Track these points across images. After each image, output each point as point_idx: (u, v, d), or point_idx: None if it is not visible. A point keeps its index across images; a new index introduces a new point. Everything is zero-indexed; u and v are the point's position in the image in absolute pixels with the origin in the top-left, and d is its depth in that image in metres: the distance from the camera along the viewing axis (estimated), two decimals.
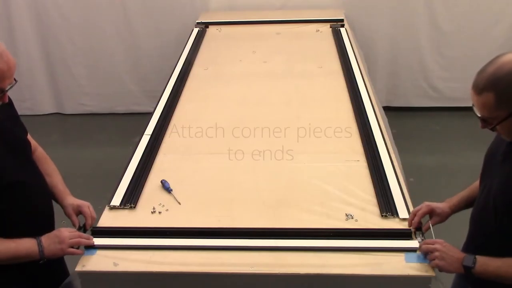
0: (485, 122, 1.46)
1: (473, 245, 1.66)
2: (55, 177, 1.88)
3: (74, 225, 1.79)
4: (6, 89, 1.53)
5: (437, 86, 4.47)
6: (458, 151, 3.83)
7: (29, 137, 1.86)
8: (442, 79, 4.40)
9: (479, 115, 1.45)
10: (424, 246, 1.61)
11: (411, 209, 1.84)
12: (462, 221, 1.76)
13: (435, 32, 4.28)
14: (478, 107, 1.44)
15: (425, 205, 1.75)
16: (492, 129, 1.47)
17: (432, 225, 1.73)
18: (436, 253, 1.55)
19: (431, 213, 1.75)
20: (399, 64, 4.47)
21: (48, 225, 1.79)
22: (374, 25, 4.33)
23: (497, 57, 1.42)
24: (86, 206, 1.81)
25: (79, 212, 1.81)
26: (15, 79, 1.58)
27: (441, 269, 1.56)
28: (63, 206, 1.83)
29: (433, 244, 1.58)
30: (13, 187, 1.61)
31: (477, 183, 1.72)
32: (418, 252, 1.64)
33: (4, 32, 4.44)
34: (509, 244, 1.51)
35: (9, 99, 1.63)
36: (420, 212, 1.74)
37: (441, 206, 1.75)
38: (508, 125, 1.43)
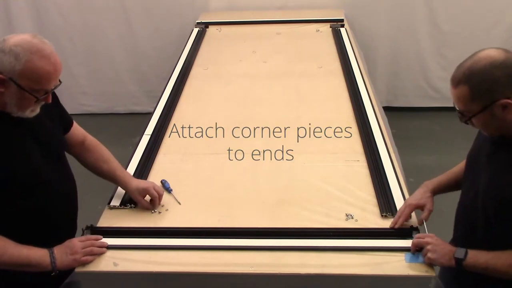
0: (462, 115, 1.50)
1: (459, 246, 1.66)
2: (111, 162, 1.91)
3: (148, 207, 1.86)
4: (51, 90, 1.55)
5: (437, 86, 4.47)
6: (458, 151, 3.81)
7: (77, 127, 1.90)
8: (442, 79, 4.39)
9: (457, 108, 1.50)
10: (415, 241, 1.64)
11: None
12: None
13: (435, 32, 4.28)
14: (455, 99, 1.49)
15: (408, 205, 1.77)
16: (467, 122, 1.51)
17: (425, 220, 1.74)
18: (428, 246, 1.59)
19: (418, 208, 1.77)
20: (399, 64, 4.47)
21: (68, 228, 1.81)
22: (374, 25, 4.33)
23: (476, 52, 1.46)
24: (152, 187, 1.86)
25: (145, 194, 1.87)
26: (59, 80, 1.60)
27: (432, 262, 1.58)
28: (128, 191, 1.88)
29: (424, 238, 1.62)
30: (39, 187, 1.62)
31: (455, 168, 1.77)
32: (410, 250, 1.65)
33: (5, 32, 4.44)
34: (496, 244, 1.51)
35: (54, 94, 1.65)
36: (405, 214, 1.75)
37: (422, 197, 1.77)
38: (483, 119, 1.46)
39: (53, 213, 1.69)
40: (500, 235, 1.52)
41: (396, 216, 1.77)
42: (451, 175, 1.81)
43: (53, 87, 1.56)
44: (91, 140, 1.94)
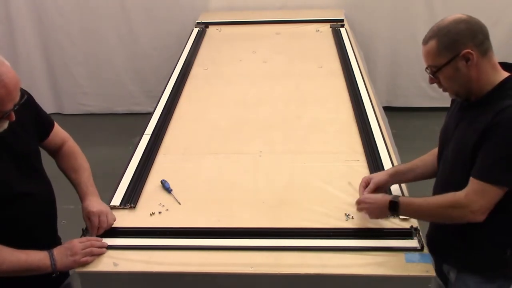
0: (430, 71, 1.62)
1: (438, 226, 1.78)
2: (80, 174, 1.84)
3: (89, 229, 1.76)
4: (10, 110, 1.49)
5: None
6: None
7: (56, 133, 1.85)
8: None
9: (426, 66, 1.64)
10: (357, 208, 1.78)
11: None
12: None
13: None
14: (424, 57, 1.63)
15: (363, 179, 1.88)
16: (436, 81, 1.63)
17: (366, 191, 1.83)
18: (365, 211, 1.74)
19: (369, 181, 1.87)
20: (399, 64, 4.47)
21: (50, 230, 1.80)
22: (374, 25, 4.33)
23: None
24: (96, 215, 1.74)
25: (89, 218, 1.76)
26: (25, 93, 1.54)
27: (373, 218, 1.75)
28: (81, 208, 1.80)
29: (360, 204, 1.76)
30: (17, 199, 1.61)
31: (417, 160, 1.89)
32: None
33: (5, 32, 4.45)
34: None
35: (29, 100, 1.60)
36: (361, 186, 1.86)
37: (379, 174, 1.90)
38: (449, 74, 1.57)
39: (30, 222, 1.67)
40: None
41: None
42: (410, 165, 1.89)
43: (12, 107, 1.49)
44: (69, 146, 1.89)
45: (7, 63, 1.49)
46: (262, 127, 2.48)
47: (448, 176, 1.68)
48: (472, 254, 1.67)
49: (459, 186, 1.56)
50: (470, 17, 1.59)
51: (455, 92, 1.62)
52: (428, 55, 1.61)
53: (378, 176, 1.87)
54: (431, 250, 1.68)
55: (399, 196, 1.71)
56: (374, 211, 1.72)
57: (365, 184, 1.85)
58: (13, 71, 1.49)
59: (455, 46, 1.54)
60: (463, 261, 1.71)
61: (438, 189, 1.72)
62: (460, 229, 1.63)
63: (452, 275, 1.76)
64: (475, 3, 4.15)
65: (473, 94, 1.59)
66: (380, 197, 1.73)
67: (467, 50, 1.52)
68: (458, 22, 1.57)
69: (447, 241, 1.73)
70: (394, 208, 1.64)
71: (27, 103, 1.61)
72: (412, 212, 1.67)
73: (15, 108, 1.51)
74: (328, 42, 3.60)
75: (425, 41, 1.62)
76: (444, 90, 1.65)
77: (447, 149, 1.69)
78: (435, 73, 1.60)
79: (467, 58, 1.53)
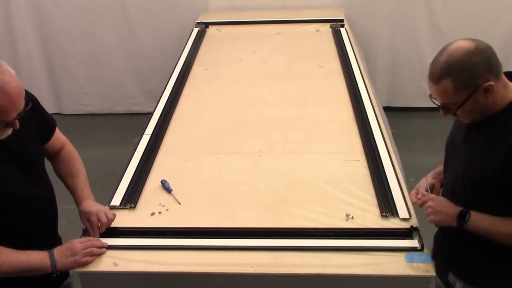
0: (446, 108, 1.55)
1: (442, 229, 1.77)
2: (77, 179, 1.86)
3: (89, 230, 1.76)
4: (13, 119, 1.48)
5: None
6: None
7: (57, 136, 1.85)
8: None
9: (440, 103, 1.55)
10: (419, 201, 1.70)
11: (411, 209, 1.84)
12: None
13: (435, 32, 4.28)
14: (438, 95, 1.53)
15: (424, 181, 1.81)
16: (454, 114, 1.55)
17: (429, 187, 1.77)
18: (429, 210, 1.65)
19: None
20: (399, 64, 4.47)
21: (50, 230, 1.81)
22: (374, 25, 4.33)
23: (445, 47, 1.53)
24: (95, 213, 1.75)
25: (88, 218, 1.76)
26: (29, 101, 1.54)
27: (435, 224, 1.68)
28: (79, 212, 1.80)
29: (428, 201, 1.67)
30: (19, 202, 1.61)
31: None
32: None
33: (5, 32, 4.45)
34: None
35: (33, 104, 1.60)
36: (423, 189, 1.78)
37: (427, 179, 1.83)
38: (468, 108, 1.51)
39: (31, 223, 1.68)
40: (481, 211, 1.56)
41: (414, 192, 1.80)
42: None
43: (15, 116, 1.49)
44: (68, 151, 1.90)
45: (12, 71, 1.47)
46: (262, 127, 2.48)
47: (457, 188, 1.66)
48: (484, 269, 1.65)
49: (470, 201, 1.57)
50: (477, 42, 1.50)
51: (471, 119, 1.57)
52: (444, 94, 1.51)
53: (429, 182, 1.81)
54: (437, 257, 1.68)
55: (468, 214, 1.59)
56: (439, 214, 1.63)
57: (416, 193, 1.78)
58: (17, 80, 1.47)
59: (474, 81, 1.46)
60: (472, 274, 1.69)
61: (447, 198, 1.70)
62: (472, 241, 1.61)
63: (458, 286, 1.74)
64: (475, 3, 4.16)
65: (486, 115, 1.54)
66: (452, 205, 1.63)
67: (489, 83, 1.45)
68: (469, 54, 1.46)
69: (455, 250, 1.72)
70: (463, 217, 1.57)
71: (35, 104, 1.62)
72: (481, 228, 1.56)
73: (19, 117, 1.51)
74: (328, 42, 3.60)
75: (437, 80, 1.50)
76: (458, 117, 1.59)
77: (456, 162, 1.66)
78: (455, 112, 1.53)
79: (486, 89, 1.46)
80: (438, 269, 1.62)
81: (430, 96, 1.57)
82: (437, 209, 1.63)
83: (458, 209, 1.59)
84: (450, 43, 1.53)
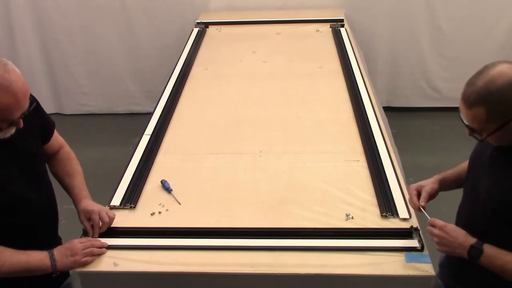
0: (473, 131, 1.47)
1: None
2: (74, 178, 1.86)
3: (89, 231, 1.75)
4: (18, 118, 1.50)
5: (437, 87, 4.47)
6: (458, 151, 3.81)
7: (56, 135, 1.86)
8: (442, 79, 4.39)
9: (468, 125, 1.46)
10: (427, 228, 1.59)
11: (411, 209, 1.84)
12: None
13: (435, 32, 4.28)
14: (468, 119, 1.45)
15: (412, 187, 1.74)
16: (482, 140, 1.49)
17: (424, 204, 1.69)
18: (435, 239, 1.55)
19: (420, 189, 1.74)
20: (399, 64, 4.46)
21: (50, 230, 1.81)
22: (374, 25, 4.33)
23: (486, 68, 1.41)
24: (96, 212, 1.75)
25: (89, 217, 1.76)
26: (33, 100, 1.54)
27: (439, 250, 1.57)
28: (77, 211, 1.80)
29: (434, 229, 1.56)
30: (20, 204, 1.62)
31: (463, 165, 1.74)
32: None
33: (5, 32, 4.45)
34: (496, 245, 1.50)
35: (35, 104, 1.60)
36: (413, 195, 1.72)
37: (427, 182, 1.75)
38: (497, 136, 1.44)
39: (31, 224, 1.68)
40: (500, 236, 1.51)
41: (410, 201, 1.75)
42: (457, 171, 1.79)
43: (20, 115, 1.50)
44: (65, 152, 1.91)
45: (17, 71, 1.49)
46: (262, 127, 2.48)
47: (476, 211, 1.58)
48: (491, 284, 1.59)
49: (489, 226, 1.52)
50: None
51: (499, 143, 1.50)
52: (474, 120, 1.42)
53: (429, 185, 1.73)
54: (445, 270, 1.65)
55: (483, 244, 1.50)
56: (446, 245, 1.54)
57: (417, 192, 1.72)
58: (23, 80, 1.49)
59: (509, 114, 1.38)
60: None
61: (463, 218, 1.67)
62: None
63: None
64: (475, 3, 4.16)
65: None
66: (463, 235, 1.52)
67: None
68: (510, 85, 1.36)
69: (464, 264, 1.63)
70: (475, 255, 1.48)
71: (36, 106, 1.62)
72: (496, 265, 1.47)
73: (23, 116, 1.52)
74: (328, 42, 3.60)
75: (470, 105, 1.41)
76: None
77: (479, 182, 1.58)
78: (484, 138, 1.46)
79: None
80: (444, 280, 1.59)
81: (459, 112, 1.47)
82: (447, 240, 1.53)
83: (470, 241, 1.50)
84: (492, 65, 1.41)
